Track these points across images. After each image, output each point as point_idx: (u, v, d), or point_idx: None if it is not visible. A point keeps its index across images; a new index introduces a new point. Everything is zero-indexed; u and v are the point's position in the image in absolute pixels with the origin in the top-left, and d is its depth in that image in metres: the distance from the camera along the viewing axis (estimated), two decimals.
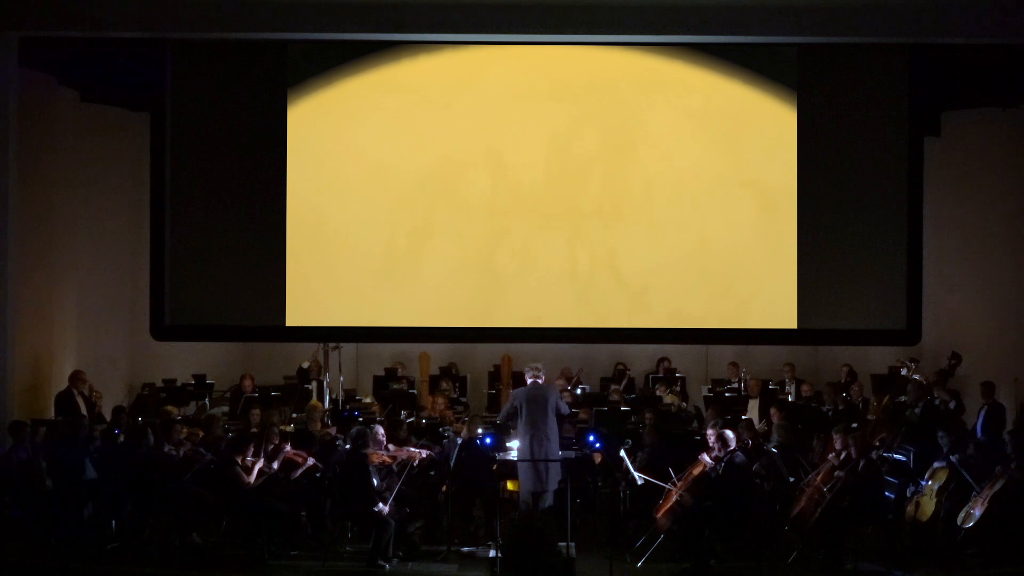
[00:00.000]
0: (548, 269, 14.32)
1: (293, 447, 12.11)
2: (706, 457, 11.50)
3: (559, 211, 14.32)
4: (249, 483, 11.48)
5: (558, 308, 14.31)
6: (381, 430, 11.86)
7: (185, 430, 12.50)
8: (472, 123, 14.36)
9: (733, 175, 14.29)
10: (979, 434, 13.14)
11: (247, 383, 15.37)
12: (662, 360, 16.88)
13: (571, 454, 12.06)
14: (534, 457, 11.89)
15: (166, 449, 11.89)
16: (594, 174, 14.34)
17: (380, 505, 11.24)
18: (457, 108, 14.36)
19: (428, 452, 11.99)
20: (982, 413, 13.47)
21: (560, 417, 12.20)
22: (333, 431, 12.93)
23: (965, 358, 14.35)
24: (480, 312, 14.35)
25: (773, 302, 14.25)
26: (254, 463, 11.64)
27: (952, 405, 13.72)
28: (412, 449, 11.95)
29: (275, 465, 11.83)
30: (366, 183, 14.34)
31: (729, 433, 11.56)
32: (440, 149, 14.35)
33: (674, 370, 16.75)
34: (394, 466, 11.64)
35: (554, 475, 11.91)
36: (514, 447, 12.15)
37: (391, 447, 11.82)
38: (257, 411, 13.74)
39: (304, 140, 14.33)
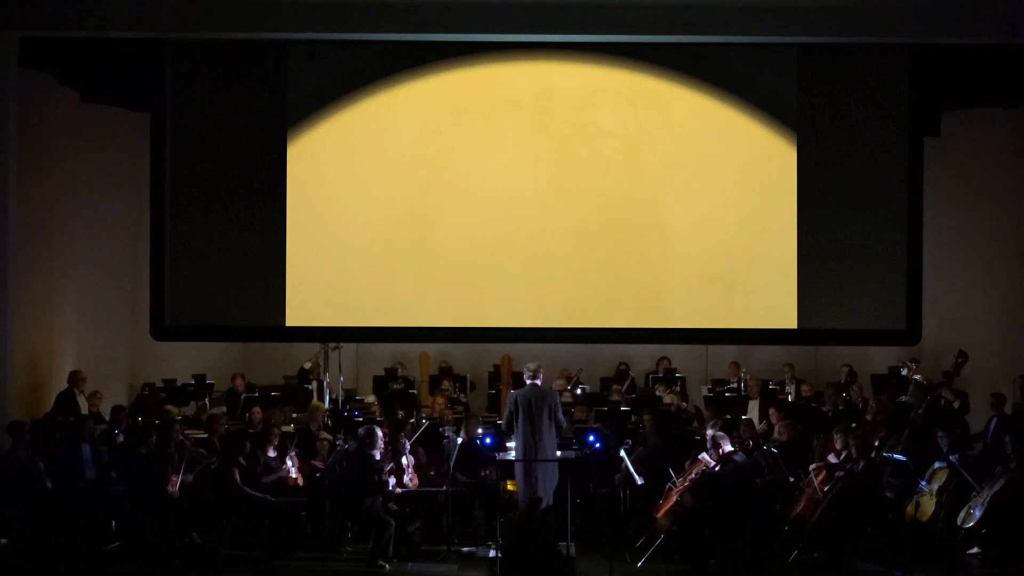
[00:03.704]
0: (548, 269, 14.30)
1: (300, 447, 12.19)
2: (706, 457, 11.51)
3: (559, 213, 14.30)
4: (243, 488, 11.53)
5: (558, 308, 14.29)
6: (380, 433, 11.82)
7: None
8: (474, 126, 14.32)
9: (733, 175, 14.27)
10: (989, 443, 13.06)
11: (239, 382, 15.39)
12: (662, 360, 16.88)
13: (571, 454, 11.98)
14: (527, 463, 11.72)
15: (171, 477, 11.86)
16: (595, 178, 14.32)
17: (388, 504, 11.31)
18: (459, 111, 14.32)
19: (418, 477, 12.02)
20: (993, 423, 13.39)
21: (557, 427, 12.00)
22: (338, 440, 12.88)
23: None
24: (480, 312, 14.34)
25: (773, 302, 14.22)
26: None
27: (956, 405, 13.69)
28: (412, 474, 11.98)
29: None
30: (366, 183, 14.31)
31: (722, 437, 11.54)
32: (441, 150, 14.33)
33: (674, 370, 16.74)
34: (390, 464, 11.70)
35: (549, 480, 11.75)
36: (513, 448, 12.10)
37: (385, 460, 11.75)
38: (257, 409, 13.78)
39: (304, 140, 14.32)
